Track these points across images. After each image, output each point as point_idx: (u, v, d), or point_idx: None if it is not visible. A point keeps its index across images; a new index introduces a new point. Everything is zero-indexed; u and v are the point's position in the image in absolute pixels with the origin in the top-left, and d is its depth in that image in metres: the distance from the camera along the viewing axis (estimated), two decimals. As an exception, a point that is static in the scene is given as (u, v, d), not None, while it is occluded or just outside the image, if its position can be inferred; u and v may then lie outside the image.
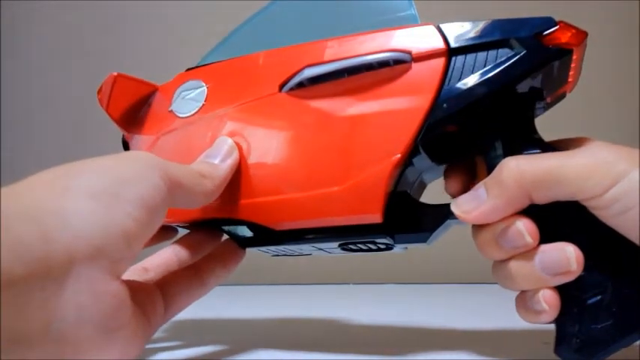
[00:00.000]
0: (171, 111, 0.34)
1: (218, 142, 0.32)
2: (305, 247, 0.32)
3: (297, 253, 0.35)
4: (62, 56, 0.93)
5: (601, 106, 0.80)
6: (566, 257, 0.24)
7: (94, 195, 0.23)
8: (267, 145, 0.31)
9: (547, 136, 0.28)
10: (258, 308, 0.62)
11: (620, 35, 0.79)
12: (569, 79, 0.28)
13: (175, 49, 0.87)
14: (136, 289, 0.27)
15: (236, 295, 0.68)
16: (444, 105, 0.27)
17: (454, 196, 0.30)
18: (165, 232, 0.36)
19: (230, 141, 0.32)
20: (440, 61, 0.27)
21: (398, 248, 0.31)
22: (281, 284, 0.82)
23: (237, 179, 0.31)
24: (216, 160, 0.31)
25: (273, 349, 0.35)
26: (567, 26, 0.27)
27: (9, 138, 0.93)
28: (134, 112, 0.36)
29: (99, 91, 0.35)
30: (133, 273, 0.31)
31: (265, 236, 0.32)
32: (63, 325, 0.21)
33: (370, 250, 0.32)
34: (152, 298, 0.29)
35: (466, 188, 0.29)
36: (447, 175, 0.31)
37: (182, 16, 0.90)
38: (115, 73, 0.34)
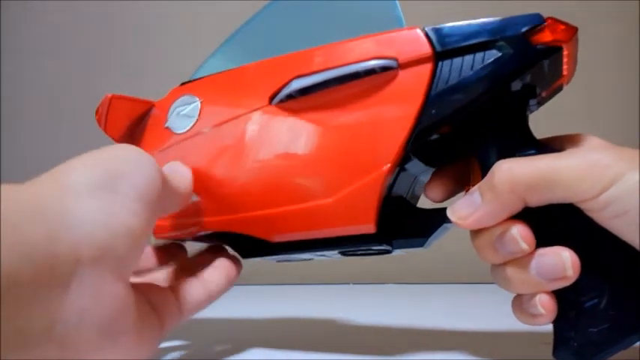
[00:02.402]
0: (167, 128, 0.34)
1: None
2: (305, 254, 0.33)
3: (298, 259, 0.35)
4: (62, 56, 0.93)
5: (601, 105, 0.79)
6: (562, 263, 0.24)
7: (93, 192, 0.23)
8: (259, 158, 0.31)
9: (546, 135, 0.28)
10: (258, 308, 0.62)
11: (620, 34, 0.79)
12: (564, 73, 0.27)
13: (175, 49, 0.87)
14: (147, 290, 0.27)
15: (236, 295, 0.68)
16: (433, 111, 0.27)
17: (435, 201, 0.30)
18: (174, 251, 0.36)
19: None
20: (426, 67, 0.27)
21: (397, 251, 0.31)
22: (281, 284, 0.82)
23: (232, 193, 0.32)
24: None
25: (273, 349, 0.35)
26: (556, 22, 0.26)
27: (9, 138, 0.93)
28: (132, 129, 0.35)
29: (96, 112, 0.35)
30: (142, 279, 0.31)
31: (263, 247, 0.32)
32: (65, 327, 0.21)
33: (369, 254, 0.32)
34: (165, 299, 0.28)
35: (450, 194, 0.30)
36: (430, 180, 0.30)
37: (182, 16, 0.90)
38: (110, 95, 0.33)
